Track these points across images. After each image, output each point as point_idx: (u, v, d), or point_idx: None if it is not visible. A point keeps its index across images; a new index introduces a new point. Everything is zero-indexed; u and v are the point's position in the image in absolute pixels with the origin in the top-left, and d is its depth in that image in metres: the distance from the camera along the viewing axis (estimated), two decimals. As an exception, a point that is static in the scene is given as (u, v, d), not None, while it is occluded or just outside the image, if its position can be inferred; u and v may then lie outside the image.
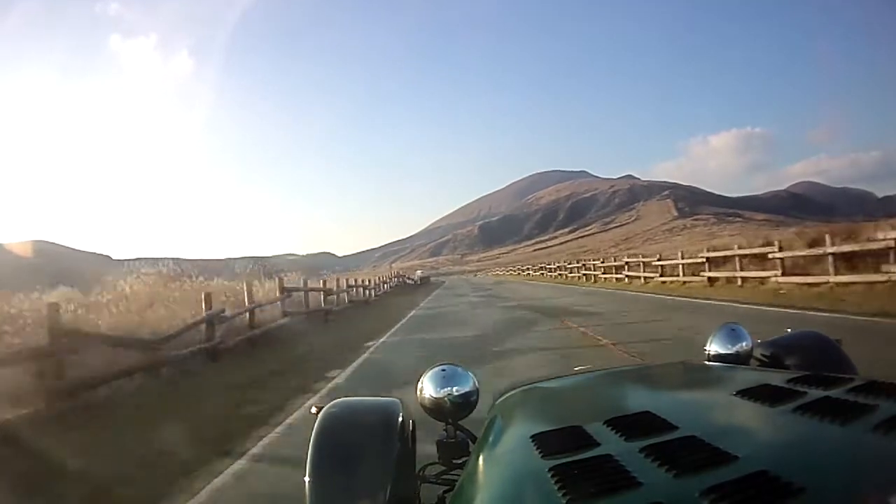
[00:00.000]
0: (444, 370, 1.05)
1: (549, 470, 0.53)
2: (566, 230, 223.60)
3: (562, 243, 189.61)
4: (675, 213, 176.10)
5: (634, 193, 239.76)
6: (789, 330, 1.24)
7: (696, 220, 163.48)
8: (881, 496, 0.40)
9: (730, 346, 1.07)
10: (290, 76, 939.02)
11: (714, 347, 1.09)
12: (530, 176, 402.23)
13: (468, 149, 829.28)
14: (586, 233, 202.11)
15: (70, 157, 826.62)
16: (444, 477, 0.99)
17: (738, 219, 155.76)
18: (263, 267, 19.10)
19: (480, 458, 0.70)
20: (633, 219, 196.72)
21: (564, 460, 0.54)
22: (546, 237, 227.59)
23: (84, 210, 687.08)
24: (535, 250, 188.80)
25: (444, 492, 0.95)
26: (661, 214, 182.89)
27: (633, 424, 0.61)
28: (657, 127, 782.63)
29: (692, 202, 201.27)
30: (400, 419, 0.93)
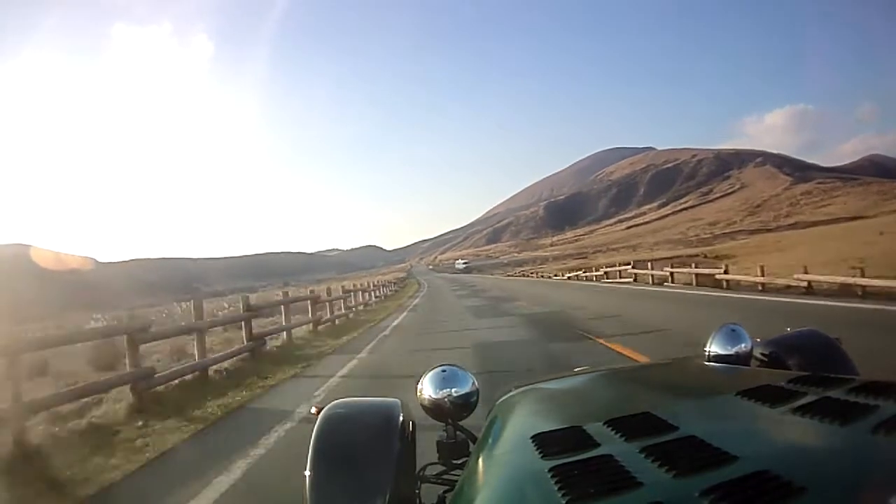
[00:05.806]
0: (444, 371, 1.06)
1: (550, 470, 0.53)
2: (654, 204, 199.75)
3: (661, 218, 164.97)
4: (790, 179, 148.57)
5: (723, 161, 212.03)
6: (789, 329, 1.24)
7: (819, 184, 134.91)
8: (881, 496, 0.41)
9: (729, 347, 1.06)
10: (334, 58, 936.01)
11: (714, 348, 1.08)
12: (592, 154, 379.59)
13: (522, 133, 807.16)
14: (683, 205, 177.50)
15: (53, 154, 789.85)
16: (445, 477, 1.01)
17: (859, 185, 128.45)
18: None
19: (480, 459, 0.71)
20: (736, 187, 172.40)
21: (564, 460, 0.55)
22: (631, 213, 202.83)
23: (68, 211, 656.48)
24: (627, 228, 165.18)
25: (445, 492, 0.96)
26: (769, 181, 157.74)
27: (634, 425, 0.62)
28: (709, 107, 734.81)
29: (794, 168, 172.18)
30: (400, 419, 0.95)
